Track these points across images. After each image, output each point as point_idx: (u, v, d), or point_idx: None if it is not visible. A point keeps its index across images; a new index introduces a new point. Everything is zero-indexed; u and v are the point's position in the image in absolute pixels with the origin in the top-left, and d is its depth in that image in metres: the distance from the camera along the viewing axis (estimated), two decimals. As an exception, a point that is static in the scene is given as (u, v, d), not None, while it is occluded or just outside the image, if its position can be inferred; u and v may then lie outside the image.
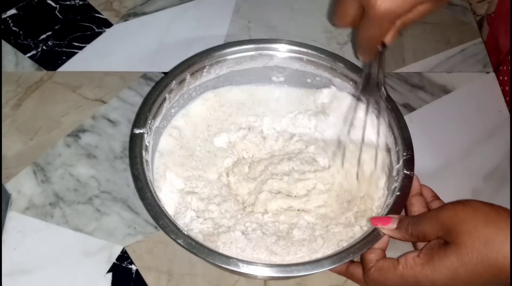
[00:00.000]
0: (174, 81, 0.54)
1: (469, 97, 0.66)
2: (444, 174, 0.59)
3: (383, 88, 0.51)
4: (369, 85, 0.52)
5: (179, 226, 0.44)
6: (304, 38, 0.62)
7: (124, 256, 0.52)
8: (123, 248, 0.52)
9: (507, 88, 0.66)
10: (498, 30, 0.70)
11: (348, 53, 0.70)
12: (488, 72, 0.68)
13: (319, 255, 0.47)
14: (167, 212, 0.45)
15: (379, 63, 0.49)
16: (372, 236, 0.45)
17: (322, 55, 0.57)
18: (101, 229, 0.53)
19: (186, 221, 0.49)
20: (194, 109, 0.58)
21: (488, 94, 0.66)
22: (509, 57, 0.66)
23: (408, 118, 0.63)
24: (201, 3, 0.74)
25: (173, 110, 0.56)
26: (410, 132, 0.52)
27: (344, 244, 0.47)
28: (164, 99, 0.53)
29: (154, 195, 0.46)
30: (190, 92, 0.57)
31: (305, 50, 0.57)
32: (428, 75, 0.68)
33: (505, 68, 0.67)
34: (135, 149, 0.49)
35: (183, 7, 0.74)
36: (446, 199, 0.48)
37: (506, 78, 0.66)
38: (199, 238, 0.47)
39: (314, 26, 0.73)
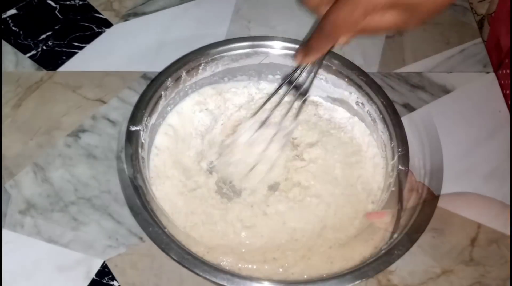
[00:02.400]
0: (170, 79, 0.54)
1: (469, 97, 0.66)
2: (444, 174, 0.59)
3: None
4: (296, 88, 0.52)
5: (177, 227, 0.44)
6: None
7: (104, 271, 0.49)
8: (103, 262, 0.50)
9: (507, 91, 0.66)
10: (499, 30, 0.70)
11: (347, 52, 0.70)
12: (488, 72, 0.68)
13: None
14: (164, 210, 0.45)
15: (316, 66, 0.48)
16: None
17: None
18: (78, 240, 0.50)
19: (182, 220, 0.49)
20: (188, 106, 0.58)
21: (488, 94, 0.66)
22: (508, 60, 0.66)
23: (408, 118, 0.63)
24: (201, 3, 0.74)
25: (168, 108, 0.56)
26: (410, 132, 0.52)
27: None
28: (160, 96, 0.53)
29: (151, 193, 0.46)
30: (186, 89, 0.57)
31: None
32: (428, 75, 0.68)
33: (506, 71, 0.67)
34: (131, 146, 0.49)
35: (183, 7, 0.74)
36: (446, 199, 0.48)
37: (506, 81, 0.66)
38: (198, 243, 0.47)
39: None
